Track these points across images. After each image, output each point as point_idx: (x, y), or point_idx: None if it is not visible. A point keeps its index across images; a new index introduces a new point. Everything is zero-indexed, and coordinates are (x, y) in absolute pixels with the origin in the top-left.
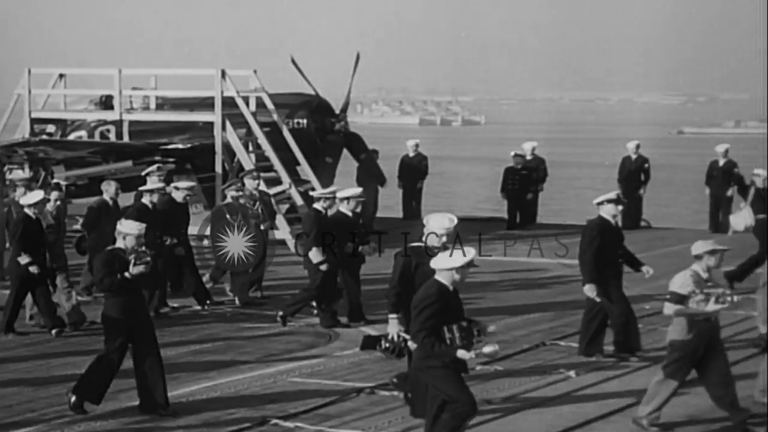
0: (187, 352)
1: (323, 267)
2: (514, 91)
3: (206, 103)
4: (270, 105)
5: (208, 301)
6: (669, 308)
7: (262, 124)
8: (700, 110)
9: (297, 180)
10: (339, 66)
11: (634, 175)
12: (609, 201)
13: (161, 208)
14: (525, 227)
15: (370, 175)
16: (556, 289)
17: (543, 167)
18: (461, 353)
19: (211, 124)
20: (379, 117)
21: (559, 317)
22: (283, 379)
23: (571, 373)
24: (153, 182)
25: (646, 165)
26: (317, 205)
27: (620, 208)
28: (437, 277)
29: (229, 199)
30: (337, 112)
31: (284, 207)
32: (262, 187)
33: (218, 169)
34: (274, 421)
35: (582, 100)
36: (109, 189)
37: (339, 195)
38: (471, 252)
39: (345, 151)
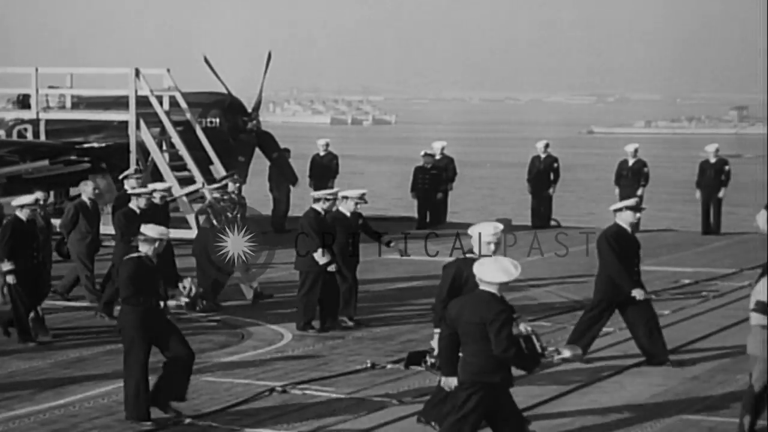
0: (103, 351)
1: (332, 268)
2: (425, 91)
3: (121, 102)
4: (183, 104)
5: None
6: (757, 319)
7: (175, 123)
8: (610, 110)
9: (210, 179)
10: (251, 65)
11: (543, 175)
12: (628, 208)
13: (146, 212)
14: (435, 227)
15: (282, 174)
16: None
17: (452, 167)
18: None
19: (126, 122)
20: (291, 116)
21: None
22: (196, 378)
23: None
24: (131, 185)
25: (556, 164)
26: (316, 206)
27: (638, 215)
28: (488, 288)
29: (210, 200)
30: (250, 111)
31: (197, 206)
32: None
33: (133, 168)
34: (188, 420)
35: (492, 100)
36: (86, 189)
37: (343, 194)
38: (518, 266)
39: (257, 150)
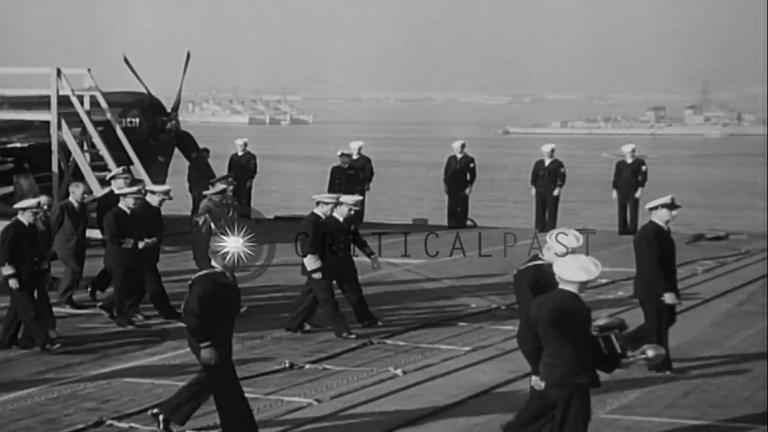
0: (24, 353)
1: (317, 275)
2: (342, 91)
3: (44, 102)
4: (104, 104)
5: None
6: None
7: (96, 123)
8: (526, 110)
9: (131, 179)
10: (170, 65)
11: (459, 175)
12: (663, 206)
13: (138, 213)
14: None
15: (200, 174)
16: (385, 288)
17: (369, 166)
18: (624, 361)
19: (48, 122)
20: (210, 116)
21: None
22: (117, 379)
23: (398, 371)
24: (119, 186)
25: (472, 164)
26: (317, 210)
27: (674, 213)
28: (567, 287)
29: (209, 204)
30: (169, 111)
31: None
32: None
33: (55, 168)
34: (109, 421)
35: (408, 100)
36: (76, 191)
37: (343, 199)
38: (599, 265)
39: (176, 150)
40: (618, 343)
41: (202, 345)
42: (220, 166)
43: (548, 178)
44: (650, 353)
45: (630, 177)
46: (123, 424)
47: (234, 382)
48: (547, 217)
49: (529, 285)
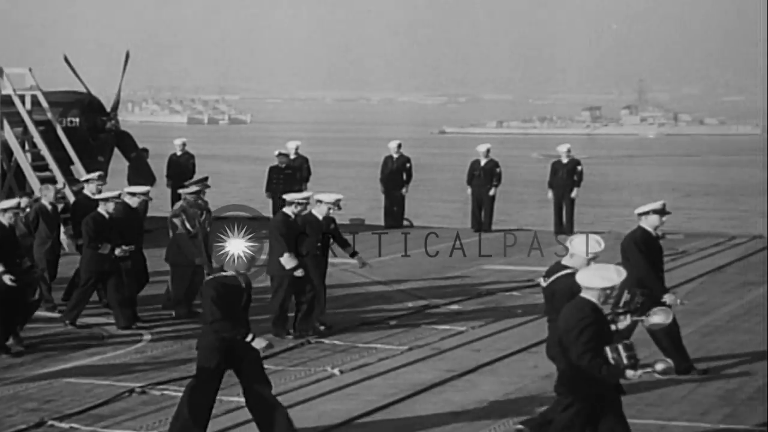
0: None
1: (299, 273)
2: (279, 90)
3: None
4: (44, 103)
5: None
6: None
7: (37, 123)
8: (462, 110)
9: (71, 179)
10: (110, 64)
11: (395, 175)
12: (655, 211)
13: (117, 217)
14: None
15: (140, 174)
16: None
17: (306, 166)
18: (630, 373)
19: None
20: (149, 115)
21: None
22: (59, 379)
23: (336, 370)
24: (91, 191)
25: (408, 164)
26: (287, 210)
27: (664, 219)
28: (585, 295)
29: (184, 204)
30: (108, 110)
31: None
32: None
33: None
34: (50, 422)
35: (344, 100)
36: (48, 194)
37: (318, 197)
38: (621, 272)
39: (116, 150)
40: (625, 354)
41: (248, 340)
42: (159, 166)
43: (484, 177)
44: (659, 367)
45: (566, 177)
46: (64, 425)
47: (215, 382)
48: (483, 216)
49: (565, 296)
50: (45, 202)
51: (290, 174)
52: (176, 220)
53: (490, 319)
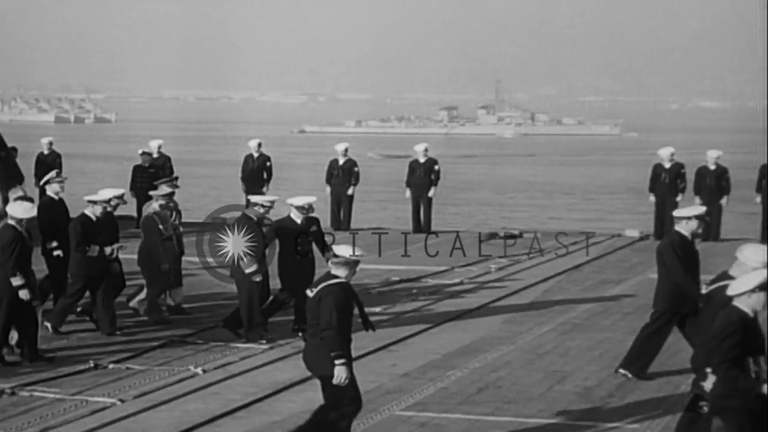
0: None
1: (257, 278)
2: (143, 89)
3: None
4: None
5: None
6: None
7: None
8: (321, 109)
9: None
10: None
11: (256, 173)
12: (697, 217)
13: (101, 220)
14: None
15: (8, 174)
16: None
17: (169, 165)
18: (766, 388)
19: None
20: (18, 114)
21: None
22: None
23: (198, 370)
24: (53, 190)
25: (269, 163)
26: (249, 212)
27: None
28: (735, 303)
29: (156, 207)
30: None
31: None
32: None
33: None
34: None
35: (206, 99)
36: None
37: (289, 201)
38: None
39: None
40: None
41: (339, 362)
42: (27, 165)
43: (343, 176)
44: None
45: (424, 176)
46: None
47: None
48: (342, 215)
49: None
50: None
51: (153, 173)
52: (151, 223)
53: None
